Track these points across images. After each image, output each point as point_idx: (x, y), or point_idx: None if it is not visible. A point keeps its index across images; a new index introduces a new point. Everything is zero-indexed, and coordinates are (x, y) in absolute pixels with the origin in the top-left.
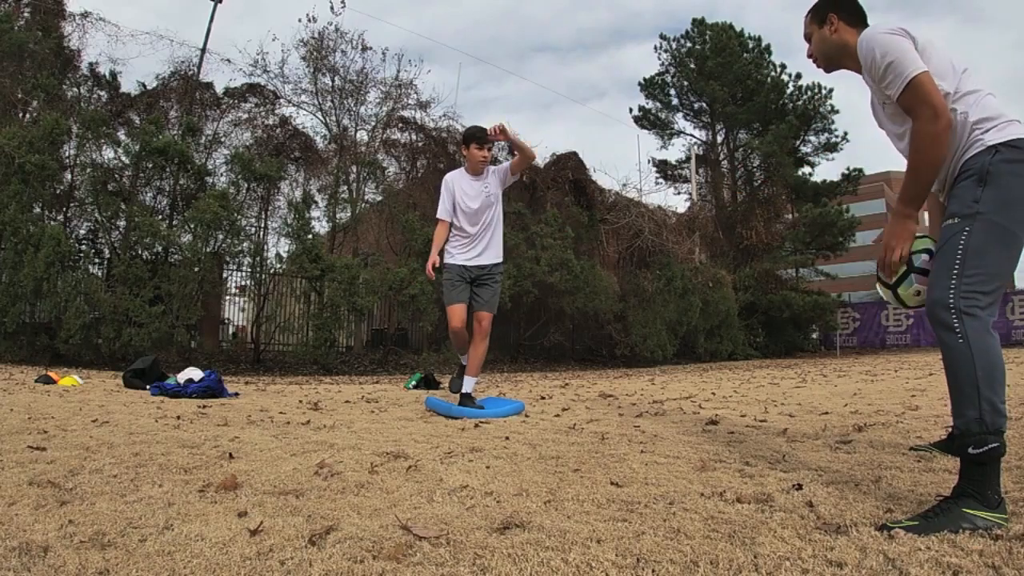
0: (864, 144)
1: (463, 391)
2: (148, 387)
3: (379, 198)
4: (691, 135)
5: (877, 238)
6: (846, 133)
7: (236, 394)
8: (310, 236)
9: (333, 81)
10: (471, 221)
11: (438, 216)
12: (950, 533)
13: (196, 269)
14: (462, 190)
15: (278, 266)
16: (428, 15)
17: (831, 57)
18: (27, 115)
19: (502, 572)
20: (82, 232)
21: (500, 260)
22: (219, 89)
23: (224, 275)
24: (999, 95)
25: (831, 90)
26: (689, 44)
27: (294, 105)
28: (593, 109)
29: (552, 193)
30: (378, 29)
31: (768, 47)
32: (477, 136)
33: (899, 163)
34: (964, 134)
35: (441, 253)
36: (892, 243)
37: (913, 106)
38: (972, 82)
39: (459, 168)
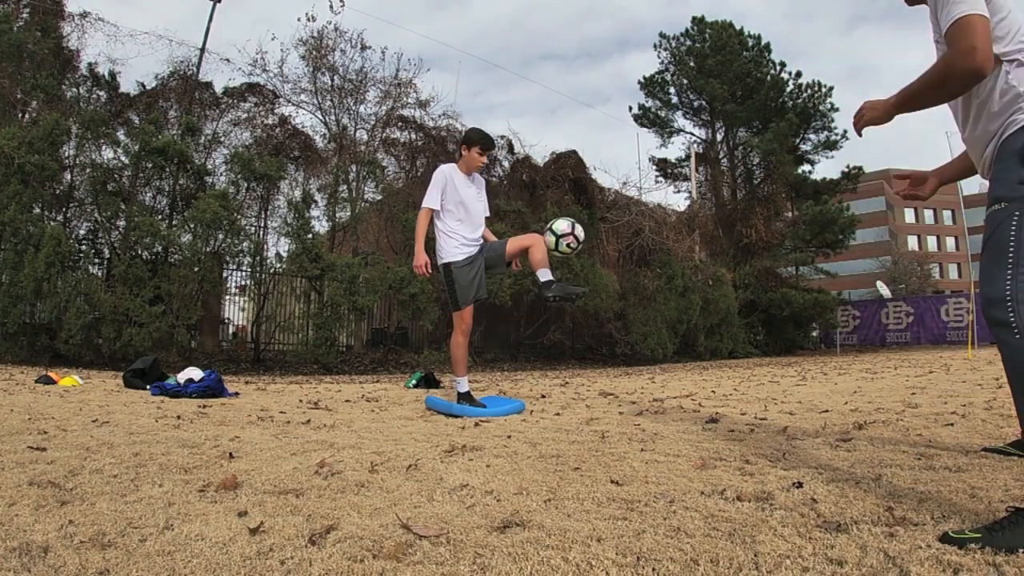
0: (864, 142)
1: (460, 390)
2: (148, 387)
3: (379, 197)
4: (691, 133)
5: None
6: (846, 131)
7: (236, 394)
8: (310, 235)
9: (332, 80)
10: (470, 214)
11: (428, 204)
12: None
13: (196, 269)
14: (460, 184)
15: (278, 266)
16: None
17: None
18: (27, 115)
19: (502, 571)
20: (82, 232)
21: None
22: (218, 89)
23: (224, 275)
24: None
25: (831, 88)
26: (689, 42)
27: (293, 104)
28: (598, 111)
29: (552, 192)
30: (381, 35)
31: (768, 45)
32: (483, 142)
33: (898, 162)
34: (1008, 108)
35: (432, 250)
36: (865, 105)
37: (954, 40)
38: None
39: (452, 164)
